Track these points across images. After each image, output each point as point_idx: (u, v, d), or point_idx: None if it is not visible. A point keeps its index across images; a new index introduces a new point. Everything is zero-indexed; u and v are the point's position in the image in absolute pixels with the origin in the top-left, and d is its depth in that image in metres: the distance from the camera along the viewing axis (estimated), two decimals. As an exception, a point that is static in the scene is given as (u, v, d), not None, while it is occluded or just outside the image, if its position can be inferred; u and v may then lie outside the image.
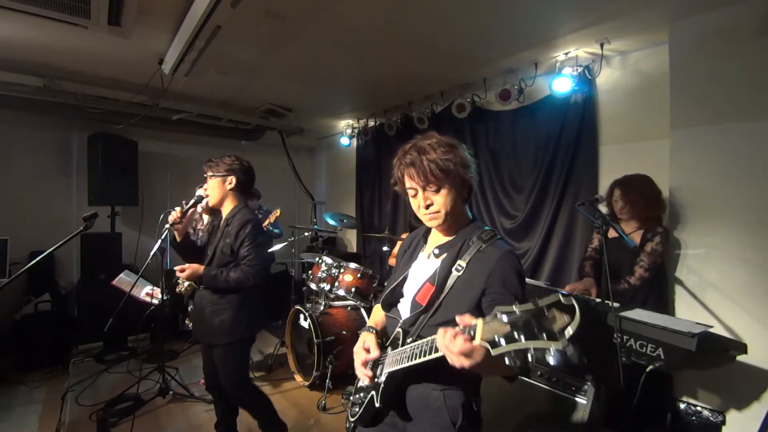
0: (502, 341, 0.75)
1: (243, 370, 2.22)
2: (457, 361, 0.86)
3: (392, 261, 3.87)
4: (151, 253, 2.29)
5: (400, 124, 4.48)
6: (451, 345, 0.86)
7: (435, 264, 1.21)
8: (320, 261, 3.49)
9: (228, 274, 2.00)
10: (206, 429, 2.43)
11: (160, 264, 2.62)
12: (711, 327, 1.76)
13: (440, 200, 1.15)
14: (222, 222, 2.13)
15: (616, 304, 1.82)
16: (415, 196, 1.18)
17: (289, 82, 3.78)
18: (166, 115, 4.25)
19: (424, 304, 1.17)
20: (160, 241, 2.24)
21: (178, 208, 2.09)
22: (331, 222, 4.19)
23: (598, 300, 1.96)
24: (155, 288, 3.18)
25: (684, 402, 2.28)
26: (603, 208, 2.33)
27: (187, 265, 2.05)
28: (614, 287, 2.14)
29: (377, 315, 1.43)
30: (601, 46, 2.74)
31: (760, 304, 2.09)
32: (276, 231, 4.29)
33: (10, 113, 3.83)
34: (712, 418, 2.18)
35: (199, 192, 2.14)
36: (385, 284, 1.40)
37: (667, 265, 2.37)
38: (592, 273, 2.48)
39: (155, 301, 3.08)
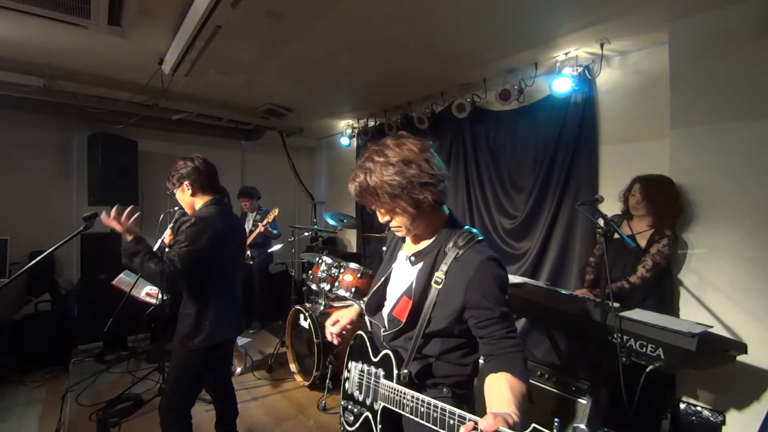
0: None
1: (184, 388, 1.95)
2: None
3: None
4: None
5: (400, 124, 4.47)
6: None
7: (412, 272, 1.17)
8: (320, 261, 3.49)
9: (149, 259, 1.75)
10: (206, 429, 2.43)
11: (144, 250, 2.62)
12: (711, 327, 1.76)
13: (398, 218, 1.10)
14: None
15: (616, 304, 1.82)
16: (376, 211, 1.14)
17: (289, 82, 3.77)
18: (166, 115, 4.25)
19: (403, 321, 1.13)
20: (159, 241, 2.24)
21: (167, 234, 2.05)
22: (331, 222, 4.19)
23: (599, 300, 1.96)
24: (155, 288, 3.18)
25: (684, 402, 2.28)
26: (612, 203, 2.31)
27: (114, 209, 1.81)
28: (614, 286, 2.14)
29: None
30: (601, 46, 2.73)
31: (760, 304, 2.08)
32: (275, 231, 4.29)
33: (10, 113, 3.83)
34: (712, 418, 2.18)
35: (179, 210, 2.07)
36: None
37: (671, 267, 2.37)
38: (590, 282, 2.48)
39: (155, 301, 3.08)
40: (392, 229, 1.14)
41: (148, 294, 3.13)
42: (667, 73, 2.46)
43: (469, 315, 1.06)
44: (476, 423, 0.81)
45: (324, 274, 3.40)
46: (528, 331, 3.33)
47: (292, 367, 3.44)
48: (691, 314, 2.29)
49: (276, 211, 4.04)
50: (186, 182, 1.98)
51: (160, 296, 3.03)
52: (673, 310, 2.31)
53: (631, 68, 2.83)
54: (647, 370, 1.77)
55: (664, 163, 2.46)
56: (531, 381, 2.08)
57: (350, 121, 5.28)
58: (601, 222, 1.93)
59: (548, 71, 3.17)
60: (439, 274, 1.09)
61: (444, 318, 1.08)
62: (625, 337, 1.83)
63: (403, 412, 1.06)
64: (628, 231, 2.35)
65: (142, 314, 3.22)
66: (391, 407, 1.10)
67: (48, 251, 1.68)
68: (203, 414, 2.71)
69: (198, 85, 3.69)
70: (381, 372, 1.17)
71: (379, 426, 1.14)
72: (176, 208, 2.11)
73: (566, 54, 2.93)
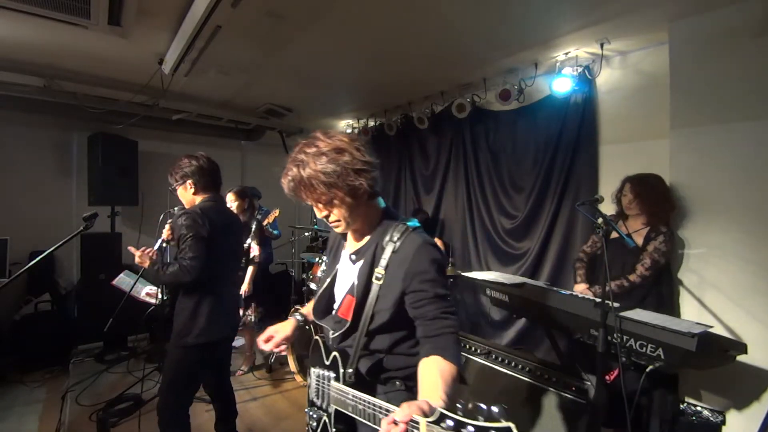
0: None
1: (177, 386, 1.95)
2: None
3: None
4: None
5: (400, 124, 4.48)
6: None
7: (354, 271, 1.17)
8: (320, 261, 3.49)
9: (166, 268, 1.87)
10: (206, 429, 2.43)
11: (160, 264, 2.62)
12: (711, 327, 1.76)
13: (336, 211, 1.09)
14: None
15: (616, 304, 1.82)
16: (313, 206, 1.12)
17: (289, 82, 3.77)
18: (166, 115, 4.25)
19: (349, 320, 1.14)
20: (160, 240, 2.23)
21: (165, 231, 2.03)
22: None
23: (599, 300, 1.96)
24: (155, 288, 3.17)
25: (684, 402, 2.28)
26: (609, 203, 2.33)
27: (141, 250, 1.94)
28: (613, 284, 2.14)
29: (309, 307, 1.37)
30: (601, 46, 2.74)
31: (760, 304, 2.08)
32: (275, 232, 4.28)
33: (10, 113, 3.83)
34: (712, 418, 2.18)
35: (178, 207, 2.08)
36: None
37: (671, 266, 2.37)
38: (584, 276, 2.48)
39: (155, 301, 3.07)
40: (332, 225, 1.13)
41: (148, 294, 3.13)
42: (667, 73, 2.45)
43: (407, 300, 1.07)
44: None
45: (324, 274, 3.38)
46: (528, 331, 3.34)
47: (292, 367, 3.44)
48: (691, 314, 2.29)
49: (276, 212, 4.03)
50: (189, 181, 2.01)
51: (160, 296, 3.03)
52: (673, 310, 2.31)
53: (631, 68, 2.83)
54: (647, 370, 1.77)
55: (664, 163, 2.46)
56: (531, 381, 2.11)
57: (350, 121, 5.28)
58: (600, 221, 1.93)
59: (548, 71, 3.17)
60: (379, 270, 1.09)
61: (387, 310, 1.09)
62: (625, 337, 1.83)
63: (347, 412, 1.06)
64: (624, 231, 2.36)
65: (142, 314, 3.21)
66: (340, 409, 1.10)
67: (48, 251, 1.68)
68: (203, 414, 2.71)
69: (198, 85, 3.69)
70: (332, 375, 1.17)
71: (333, 430, 1.13)
72: (176, 208, 2.11)
73: (566, 54, 2.93)
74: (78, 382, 3.16)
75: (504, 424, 0.68)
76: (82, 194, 4.26)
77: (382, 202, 1.19)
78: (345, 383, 1.11)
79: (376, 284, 1.10)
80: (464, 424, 0.70)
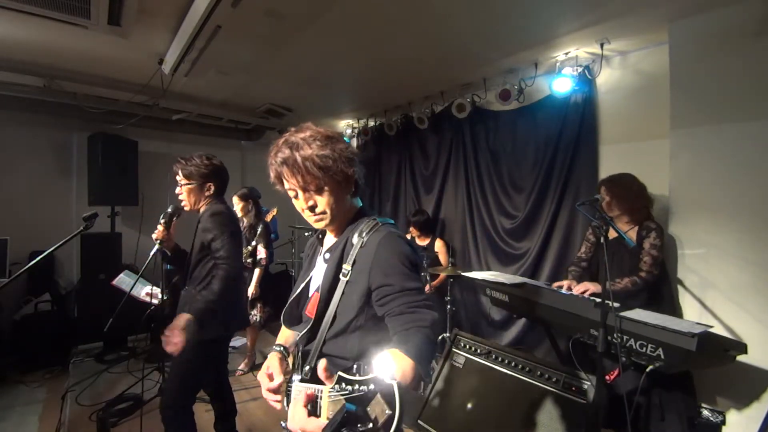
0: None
1: (188, 383, 1.96)
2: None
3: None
4: (151, 254, 2.27)
5: (400, 124, 4.48)
6: (296, 416, 0.79)
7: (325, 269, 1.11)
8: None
9: (203, 292, 1.84)
10: (206, 429, 2.43)
11: (160, 264, 2.62)
12: (711, 327, 1.76)
13: (323, 200, 1.04)
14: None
15: (616, 304, 1.82)
16: (296, 197, 1.06)
17: (289, 82, 3.77)
18: (166, 115, 4.25)
19: (312, 317, 1.07)
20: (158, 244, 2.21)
21: (160, 227, 1.99)
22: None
23: (599, 300, 1.96)
24: (155, 288, 3.17)
25: (700, 405, 2.27)
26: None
27: (169, 330, 1.69)
28: (624, 285, 2.14)
29: (285, 331, 1.28)
30: (601, 46, 2.74)
31: (760, 304, 2.09)
32: (272, 235, 4.26)
33: (10, 113, 3.83)
34: (712, 418, 2.18)
35: (172, 205, 2.04)
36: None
37: (667, 265, 2.37)
38: (576, 278, 2.48)
39: (155, 301, 3.07)
40: (315, 218, 1.07)
41: (148, 294, 3.13)
42: (667, 73, 2.46)
43: (373, 297, 1.00)
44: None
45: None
46: (528, 331, 3.34)
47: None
48: (691, 314, 2.30)
49: (274, 211, 4.02)
50: (211, 184, 2.03)
51: (160, 296, 3.03)
52: (673, 310, 2.31)
53: (631, 68, 2.83)
54: (647, 370, 1.77)
55: (664, 163, 2.46)
56: (531, 381, 2.10)
57: (350, 121, 5.28)
58: (600, 221, 1.93)
59: (548, 71, 3.17)
60: (347, 266, 1.03)
61: (352, 307, 1.02)
62: (625, 337, 1.83)
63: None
64: (614, 234, 2.36)
65: (142, 314, 3.21)
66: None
67: (48, 251, 1.68)
68: (203, 414, 2.70)
69: (198, 85, 3.69)
70: (297, 377, 1.12)
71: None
72: (171, 207, 2.07)
73: (566, 54, 2.93)
74: (78, 382, 3.16)
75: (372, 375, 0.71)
76: (82, 194, 4.26)
77: (359, 202, 1.17)
78: (302, 381, 1.06)
79: (342, 281, 1.03)
80: (352, 382, 0.71)
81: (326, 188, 1.03)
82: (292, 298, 1.23)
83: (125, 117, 4.00)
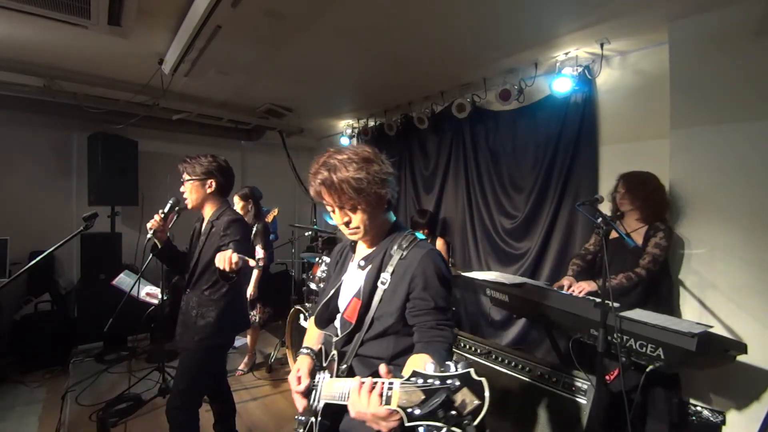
0: (417, 411, 0.75)
1: (199, 387, 2.00)
2: (372, 421, 0.84)
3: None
4: (151, 254, 2.28)
5: (400, 124, 4.48)
6: (362, 402, 0.84)
7: (362, 276, 1.20)
8: (320, 261, 3.49)
9: (234, 298, 2.01)
10: (206, 429, 2.43)
11: (160, 264, 2.62)
12: (711, 327, 1.76)
13: (357, 217, 1.14)
14: (205, 225, 2.05)
15: (616, 304, 1.82)
16: (333, 212, 1.17)
17: (289, 82, 3.77)
18: (166, 115, 4.25)
19: (353, 322, 1.16)
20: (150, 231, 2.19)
21: (156, 216, 1.98)
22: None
23: (599, 300, 1.96)
24: (155, 288, 3.18)
25: (684, 402, 2.28)
26: (607, 204, 2.35)
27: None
28: (618, 281, 2.14)
29: (312, 333, 1.38)
30: (601, 46, 2.73)
31: (760, 304, 2.08)
32: (271, 236, 4.26)
33: (10, 113, 3.83)
34: (712, 418, 2.18)
35: (174, 198, 2.05)
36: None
37: (669, 265, 2.37)
38: (576, 273, 2.48)
39: (155, 301, 3.08)
40: (349, 232, 1.17)
41: (148, 294, 3.13)
42: (667, 73, 2.45)
43: (408, 306, 1.10)
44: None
45: (324, 274, 3.40)
46: (528, 331, 3.34)
47: (292, 367, 3.44)
48: (691, 314, 2.29)
49: (275, 211, 4.03)
50: (212, 180, 2.02)
51: (160, 296, 3.03)
52: (673, 310, 2.31)
53: (631, 68, 2.83)
54: (647, 370, 1.77)
55: (664, 163, 2.46)
56: (531, 381, 2.11)
57: (350, 121, 5.28)
58: (600, 221, 1.93)
59: (548, 71, 3.17)
60: (385, 275, 1.13)
61: (391, 314, 1.11)
62: (625, 337, 1.83)
63: (333, 402, 1.09)
64: (623, 231, 2.35)
65: (142, 314, 3.22)
66: (328, 401, 1.13)
67: (48, 251, 1.68)
68: (203, 414, 2.70)
69: (198, 85, 3.69)
70: (327, 375, 1.20)
71: (318, 426, 1.16)
72: (171, 202, 2.07)
73: (566, 54, 2.93)
74: (78, 382, 3.17)
75: (462, 370, 0.74)
76: (82, 194, 4.27)
77: (393, 216, 1.25)
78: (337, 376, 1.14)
79: (381, 288, 1.13)
80: (428, 377, 0.76)
81: (360, 207, 1.12)
82: (323, 301, 1.31)
83: (125, 117, 4.00)
